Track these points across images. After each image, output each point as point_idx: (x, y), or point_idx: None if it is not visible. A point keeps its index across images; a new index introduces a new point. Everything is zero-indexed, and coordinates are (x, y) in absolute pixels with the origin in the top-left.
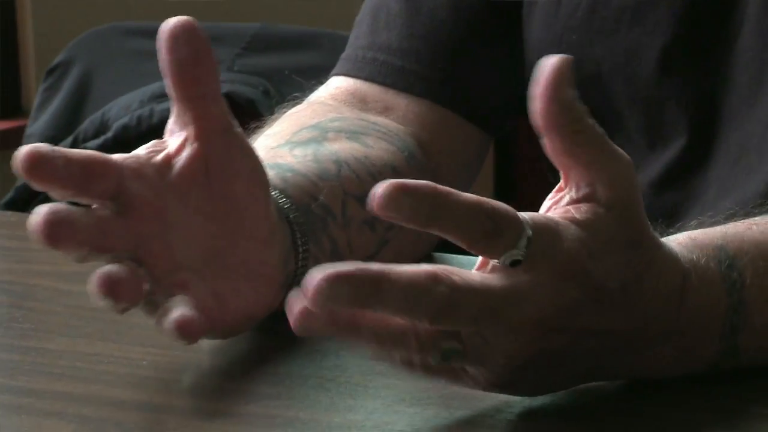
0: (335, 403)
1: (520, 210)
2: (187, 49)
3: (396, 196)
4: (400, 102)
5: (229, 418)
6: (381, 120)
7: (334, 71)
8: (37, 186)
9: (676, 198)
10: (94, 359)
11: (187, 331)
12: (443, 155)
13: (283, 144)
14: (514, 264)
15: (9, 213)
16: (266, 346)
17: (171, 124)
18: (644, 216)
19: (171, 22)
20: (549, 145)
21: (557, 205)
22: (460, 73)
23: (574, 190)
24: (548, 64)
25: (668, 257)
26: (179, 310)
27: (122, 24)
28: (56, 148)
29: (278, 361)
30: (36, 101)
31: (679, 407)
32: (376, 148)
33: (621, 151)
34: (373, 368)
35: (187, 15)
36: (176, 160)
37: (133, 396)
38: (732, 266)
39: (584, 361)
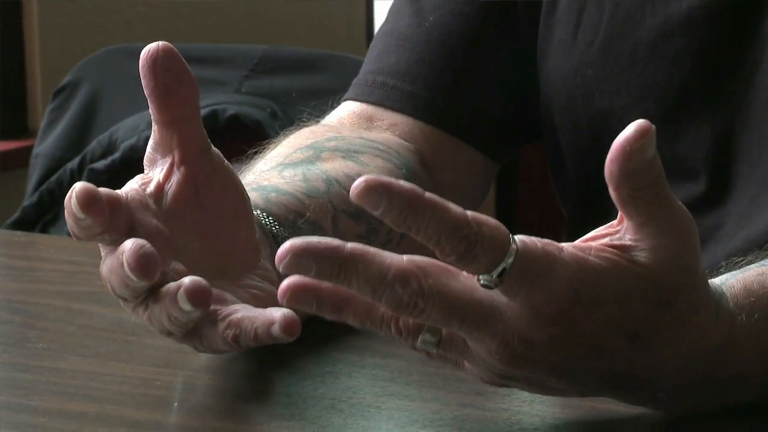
0: (348, 424)
1: (521, 232)
2: (169, 73)
3: (375, 190)
4: (406, 121)
5: None
6: (382, 137)
7: (345, 96)
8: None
9: None
10: (107, 379)
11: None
12: (447, 175)
13: (274, 167)
14: (486, 287)
15: (18, 233)
16: (279, 367)
17: (150, 153)
18: (686, 279)
19: (150, 48)
20: (612, 194)
21: (601, 239)
22: (466, 100)
23: (619, 234)
24: (627, 131)
25: (704, 322)
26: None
27: (130, 45)
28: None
29: (291, 382)
30: (43, 121)
31: None
32: (371, 166)
33: (684, 220)
34: (386, 390)
35: (195, 37)
36: (167, 187)
37: (146, 416)
38: None
39: (576, 388)
